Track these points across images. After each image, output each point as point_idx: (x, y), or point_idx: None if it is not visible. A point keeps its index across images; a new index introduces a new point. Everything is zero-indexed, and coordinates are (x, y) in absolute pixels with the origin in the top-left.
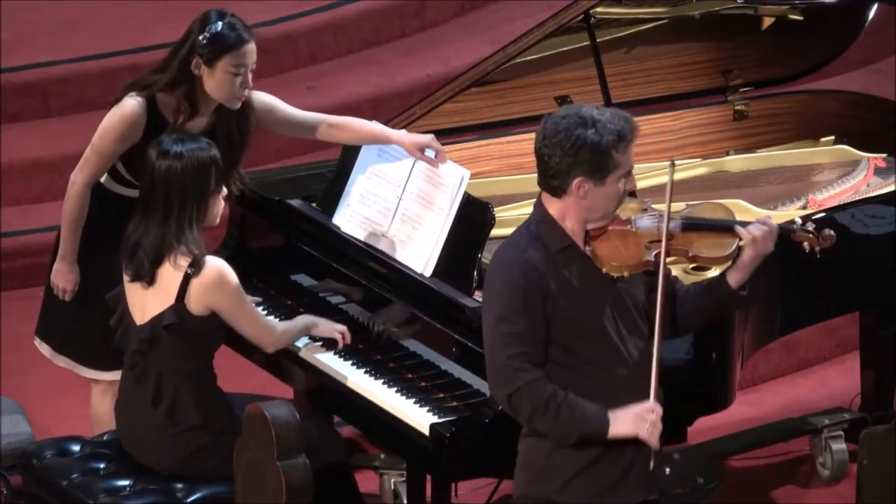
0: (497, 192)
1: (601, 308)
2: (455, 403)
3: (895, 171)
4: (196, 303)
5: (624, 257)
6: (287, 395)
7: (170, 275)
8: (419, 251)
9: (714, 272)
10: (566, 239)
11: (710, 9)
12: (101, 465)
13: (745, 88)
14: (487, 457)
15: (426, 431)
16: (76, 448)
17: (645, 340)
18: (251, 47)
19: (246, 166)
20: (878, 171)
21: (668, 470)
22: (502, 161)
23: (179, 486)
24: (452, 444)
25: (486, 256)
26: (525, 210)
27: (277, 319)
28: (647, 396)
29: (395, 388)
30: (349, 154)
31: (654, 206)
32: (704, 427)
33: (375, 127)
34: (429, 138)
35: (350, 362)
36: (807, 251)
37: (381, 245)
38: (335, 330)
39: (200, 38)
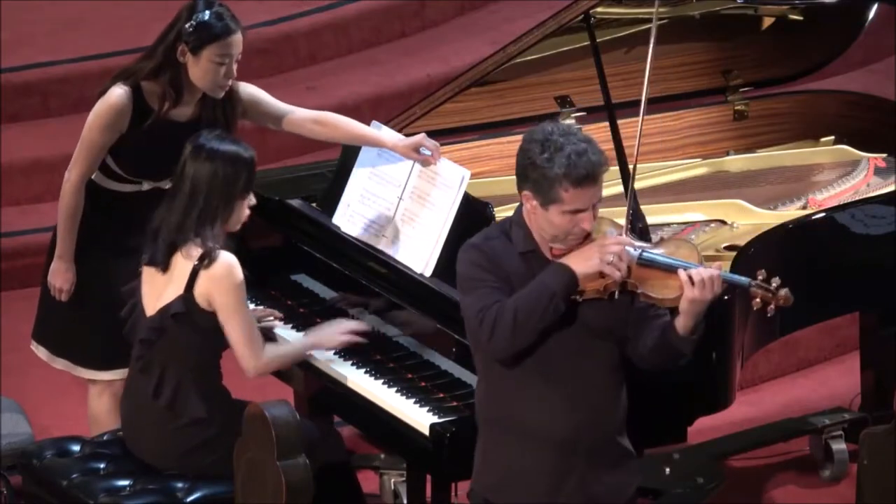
0: (497, 192)
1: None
2: (455, 403)
3: (895, 171)
4: (201, 295)
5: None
6: (287, 396)
7: (182, 265)
8: (419, 251)
9: None
10: (532, 243)
11: (710, 9)
12: (101, 465)
13: (745, 88)
14: None
15: (426, 431)
16: (76, 448)
17: (592, 362)
18: (237, 38)
19: None
20: (878, 171)
21: (668, 470)
22: (502, 161)
23: (179, 485)
24: (452, 444)
25: None
26: None
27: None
28: (597, 417)
29: (395, 388)
30: (349, 154)
31: (626, 233)
32: (704, 427)
33: (367, 129)
34: (420, 137)
35: (350, 362)
36: (756, 308)
37: (381, 245)
38: (339, 333)
39: (187, 25)
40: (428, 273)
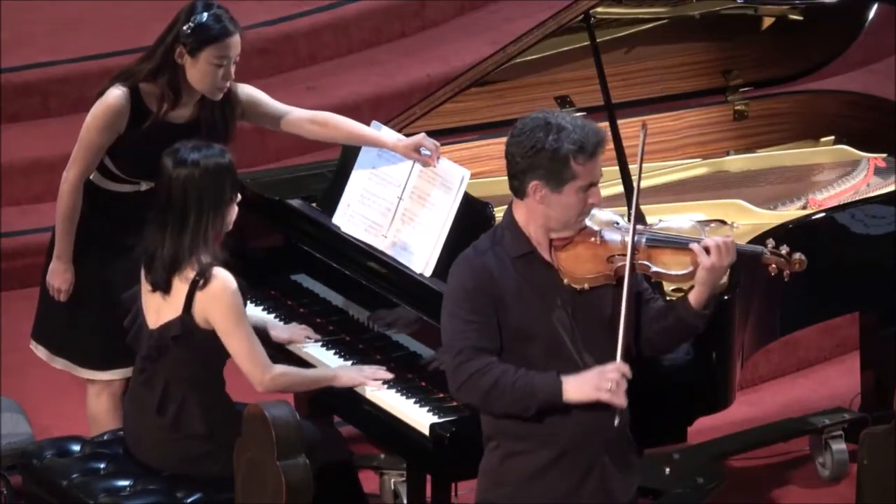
0: (497, 192)
1: (558, 317)
2: (455, 403)
3: (895, 171)
4: (199, 314)
5: (586, 270)
6: (287, 396)
7: (179, 285)
8: (419, 251)
9: None
10: (527, 245)
11: (710, 9)
12: (101, 465)
13: (745, 88)
14: None
15: (426, 431)
16: (76, 448)
17: (605, 355)
18: (236, 40)
19: (246, 166)
20: (878, 171)
21: (668, 470)
22: (502, 161)
23: (179, 486)
24: (452, 444)
25: None
26: None
27: (279, 321)
28: (603, 411)
29: (395, 388)
30: (349, 154)
31: (624, 221)
32: (704, 427)
33: (366, 129)
34: (420, 137)
35: (350, 362)
36: (773, 275)
37: (381, 245)
38: (363, 378)
39: (185, 27)
40: (428, 273)
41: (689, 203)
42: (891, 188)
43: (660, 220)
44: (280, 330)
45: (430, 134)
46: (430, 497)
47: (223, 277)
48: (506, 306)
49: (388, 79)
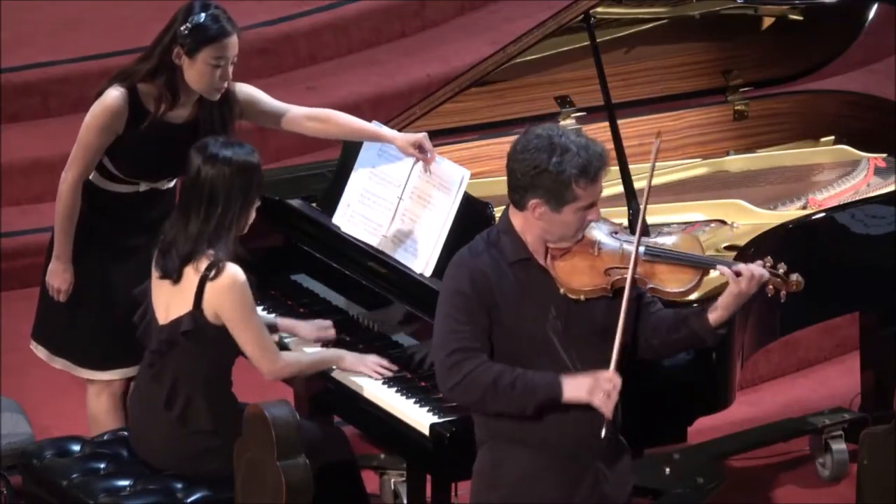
0: (497, 192)
1: (551, 324)
2: (455, 403)
3: (895, 171)
4: (209, 309)
5: (583, 282)
6: (287, 396)
7: (191, 277)
8: (419, 251)
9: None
10: (524, 252)
11: (710, 9)
12: (101, 465)
13: (745, 88)
14: None
15: (426, 431)
16: (76, 448)
17: (597, 363)
18: (233, 40)
19: None
20: (878, 171)
21: (668, 470)
22: (502, 161)
23: (179, 486)
24: (452, 444)
25: None
26: None
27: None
28: (598, 421)
29: (395, 388)
30: (349, 154)
31: (623, 231)
32: (704, 427)
33: (364, 124)
34: (421, 136)
35: None
36: (770, 295)
37: (381, 245)
38: (365, 366)
39: (182, 28)
40: (428, 273)
41: (689, 203)
42: (891, 188)
43: (658, 235)
44: (304, 329)
45: (430, 134)
46: (430, 497)
47: (233, 271)
48: (500, 310)
49: (388, 79)
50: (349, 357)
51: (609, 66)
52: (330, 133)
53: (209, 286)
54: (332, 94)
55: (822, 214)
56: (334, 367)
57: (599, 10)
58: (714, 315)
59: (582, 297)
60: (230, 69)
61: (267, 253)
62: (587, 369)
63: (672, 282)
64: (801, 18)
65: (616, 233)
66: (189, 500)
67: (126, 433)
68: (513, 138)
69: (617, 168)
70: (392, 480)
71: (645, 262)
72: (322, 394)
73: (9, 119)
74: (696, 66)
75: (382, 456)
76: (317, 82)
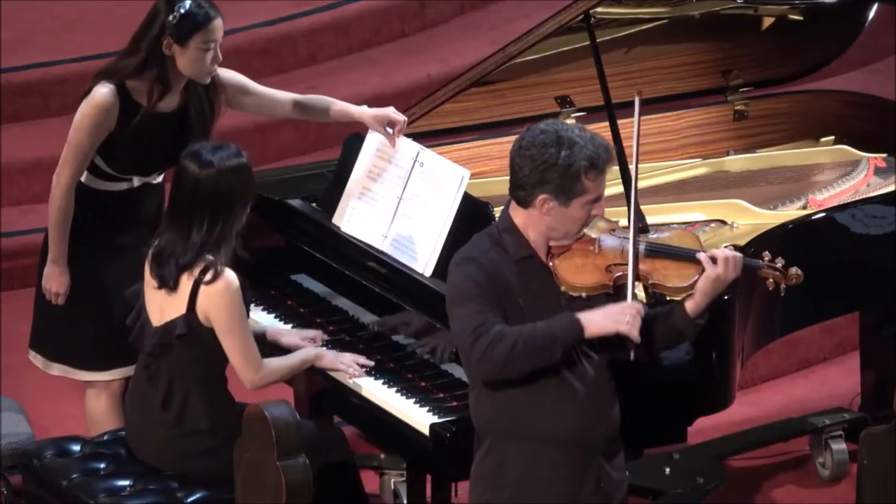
0: (497, 192)
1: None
2: (455, 403)
3: (895, 171)
4: (201, 312)
5: (583, 279)
6: (287, 396)
7: (185, 282)
8: (419, 251)
9: None
10: (528, 249)
11: (710, 9)
12: (101, 465)
13: (745, 88)
14: None
15: (426, 431)
16: (76, 448)
17: (597, 360)
18: (219, 23)
19: None
20: (878, 171)
21: (668, 470)
22: (502, 161)
23: (179, 486)
24: (452, 444)
25: None
26: None
27: (282, 323)
28: (599, 410)
29: (395, 388)
30: (349, 154)
31: (622, 229)
32: (704, 427)
33: (339, 104)
34: (389, 110)
35: None
36: (770, 289)
37: (381, 245)
38: (341, 363)
39: (170, 17)
40: (428, 273)
41: (689, 203)
42: (891, 188)
43: (656, 232)
44: (288, 338)
45: (430, 134)
46: (430, 497)
47: (227, 276)
48: (509, 305)
49: (388, 79)
50: (328, 355)
51: (609, 66)
52: (313, 118)
53: (202, 290)
54: (331, 94)
55: (822, 214)
56: (314, 364)
57: (599, 10)
58: (692, 302)
59: (583, 295)
60: (219, 51)
61: (267, 253)
62: (591, 365)
63: (674, 277)
64: (801, 18)
65: (614, 230)
66: (189, 500)
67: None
68: (513, 138)
69: (617, 168)
70: (392, 480)
71: (646, 259)
72: (322, 394)
73: (9, 119)
74: (696, 66)
75: (382, 456)
76: (317, 82)
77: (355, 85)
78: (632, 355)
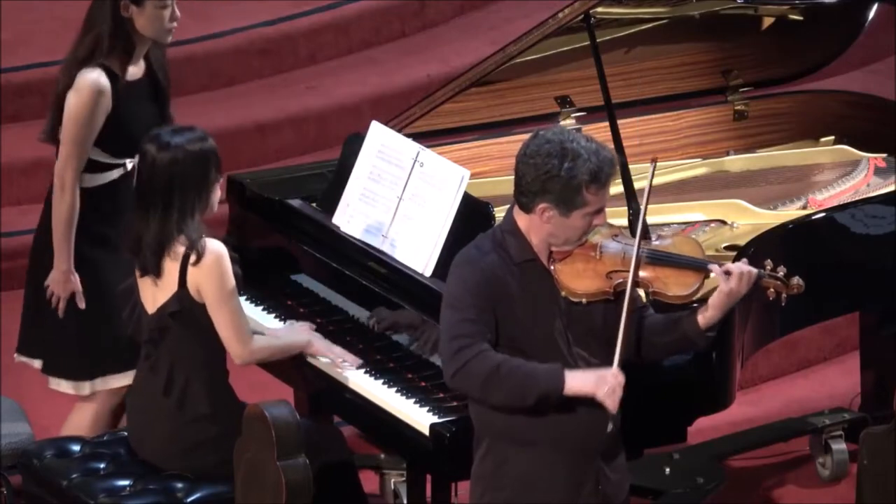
0: (497, 192)
1: (556, 325)
2: (455, 403)
3: (895, 171)
4: (192, 286)
5: (584, 286)
6: (287, 396)
7: (170, 265)
8: (419, 251)
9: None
10: (530, 252)
11: (710, 9)
12: (101, 465)
13: (745, 88)
14: None
15: (426, 431)
16: (76, 448)
17: (597, 363)
18: None
19: (246, 166)
20: (878, 171)
21: (668, 470)
22: (502, 161)
23: (179, 485)
24: (452, 444)
25: None
26: None
27: (282, 323)
28: (602, 417)
29: (395, 388)
30: (349, 154)
31: (624, 235)
32: (704, 427)
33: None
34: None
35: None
36: (771, 299)
37: (381, 245)
38: (332, 353)
39: None
40: (428, 273)
41: (689, 203)
42: (891, 188)
43: (658, 237)
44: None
45: (430, 134)
46: (430, 497)
47: (216, 248)
48: (507, 308)
49: (388, 79)
50: (318, 343)
51: (609, 66)
52: None
53: (192, 269)
54: (332, 94)
55: (822, 214)
56: (304, 351)
57: (599, 10)
58: (705, 316)
59: (584, 301)
60: (177, 8)
61: (267, 253)
62: (584, 366)
63: (675, 286)
64: (801, 18)
65: (617, 236)
66: (189, 500)
67: (126, 433)
68: (513, 138)
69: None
70: (392, 480)
71: (647, 266)
72: (322, 394)
73: (9, 119)
74: (696, 66)
75: (382, 456)
76: (317, 82)
77: (355, 85)
78: (609, 426)
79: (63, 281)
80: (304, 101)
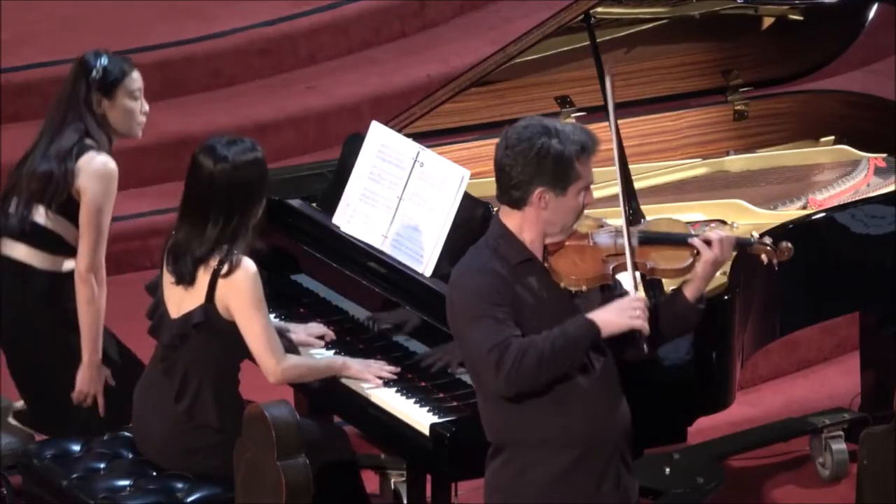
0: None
1: (561, 320)
2: (455, 403)
3: (895, 171)
4: (220, 302)
5: (582, 271)
6: (287, 396)
7: (202, 275)
8: (419, 251)
9: None
10: (525, 252)
11: (710, 9)
12: (101, 465)
13: (745, 88)
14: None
15: (426, 431)
16: (76, 448)
17: (604, 356)
18: (137, 73)
19: None
20: (878, 171)
21: (668, 470)
22: None
23: (179, 486)
24: (452, 444)
25: None
26: None
27: (278, 321)
28: (612, 406)
29: (395, 388)
30: (349, 154)
31: (611, 223)
32: (704, 427)
33: None
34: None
35: None
36: (764, 264)
37: (381, 245)
38: (370, 372)
39: (93, 74)
40: (428, 273)
41: (688, 203)
42: (891, 188)
43: (644, 222)
44: (295, 330)
45: (430, 134)
46: (430, 497)
47: (245, 265)
48: (518, 305)
49: (388, 79)
50: (355, 365)
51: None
52: None
53: (221, 281)
54: (332, 94)
55: (822, 214)
56: (314, 351)
57: (599, 10)
58: (692, 287)
59: (584, 287)
60: (144, 101)
61: (267, 253)
62: (599, 363)
63: (670, 260)
64: (801, 18)
65: (603, 226)
66: (189, 500)
67: (127, 433)
68: None
69: (617, 168)
70: (392, 480)
71: (640, 246)
72: (322, 394)
73: (9, 119)
74: (696, 66)
75: (382, 456)
76: (317, 82)
77: (355, 85)
78: (644, 348)
79: (96, 378)
80: (304, 101)
